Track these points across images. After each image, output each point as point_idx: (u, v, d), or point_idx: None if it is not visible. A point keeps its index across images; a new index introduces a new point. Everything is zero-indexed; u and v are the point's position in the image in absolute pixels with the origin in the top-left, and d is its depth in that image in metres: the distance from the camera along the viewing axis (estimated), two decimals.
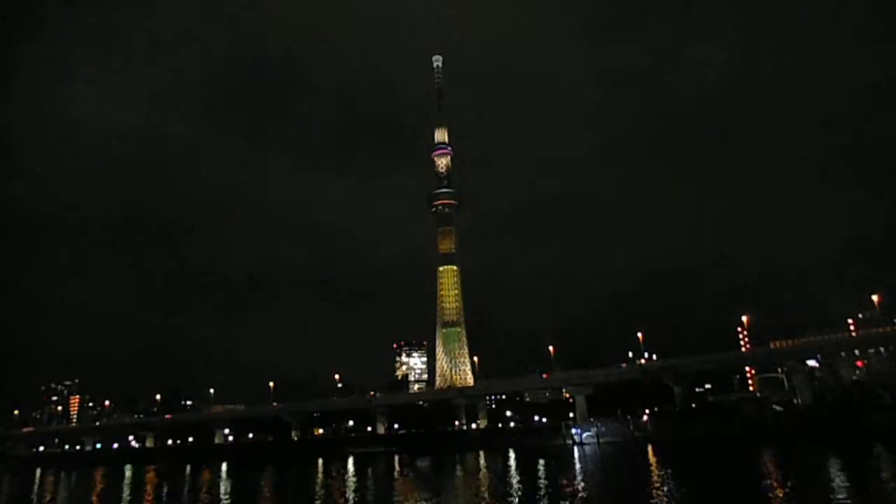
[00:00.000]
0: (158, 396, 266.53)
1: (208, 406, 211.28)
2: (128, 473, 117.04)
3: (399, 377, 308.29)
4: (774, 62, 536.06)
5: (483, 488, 60.40)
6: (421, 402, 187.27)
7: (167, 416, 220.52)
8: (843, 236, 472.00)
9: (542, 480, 63.09)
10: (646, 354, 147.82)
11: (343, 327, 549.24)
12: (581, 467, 76.47)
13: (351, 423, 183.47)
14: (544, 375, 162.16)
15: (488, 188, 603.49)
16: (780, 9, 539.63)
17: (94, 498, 78.19)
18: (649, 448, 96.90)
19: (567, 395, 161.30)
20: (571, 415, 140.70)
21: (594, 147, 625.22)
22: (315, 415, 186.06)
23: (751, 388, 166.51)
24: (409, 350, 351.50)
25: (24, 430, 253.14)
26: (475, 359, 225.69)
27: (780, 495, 44.77)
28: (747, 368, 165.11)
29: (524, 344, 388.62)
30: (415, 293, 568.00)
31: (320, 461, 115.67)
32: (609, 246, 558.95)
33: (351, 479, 78.10)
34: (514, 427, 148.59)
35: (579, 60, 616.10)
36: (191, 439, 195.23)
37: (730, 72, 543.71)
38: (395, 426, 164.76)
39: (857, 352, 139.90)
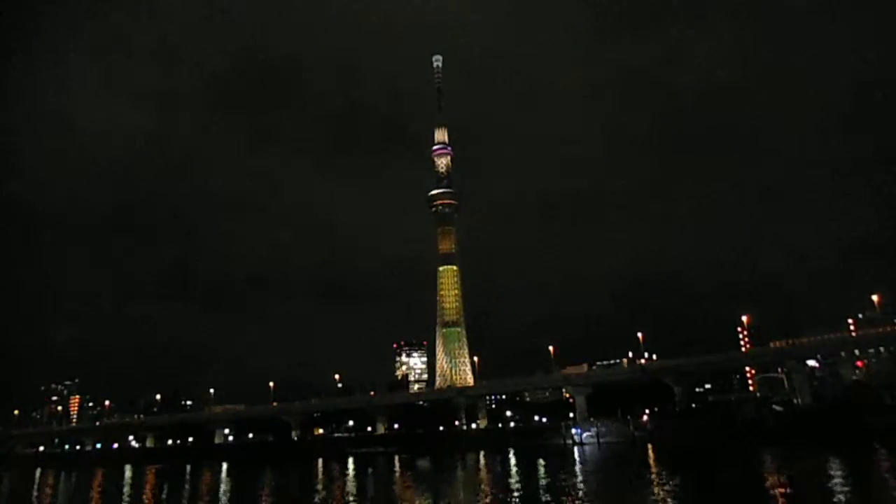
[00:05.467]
0: (158, 396, 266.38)
1: (208, 406, 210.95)
2: (128, 473, 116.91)
3: (399, 377, 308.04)
4: (778, 63, 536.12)
5: (483, 488, 60.34)
6: (421, 402, 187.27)
7: (167, 415, 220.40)
8: (844, 236, 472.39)
9: (542, 480, 63.06)
10: (646, 354, 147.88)
11: (343, 327, 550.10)
12: (581, 467, 76.40)
13: (351, 423, 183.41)
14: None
15: (488, 188, 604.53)
16: (783, 10, 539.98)
17: (94, 498, 78.13)
18: (649, 448, 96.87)
19: (567, 395, 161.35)
20: (571, 415, 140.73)
21: (596, 146, 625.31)
22: (315, 415, 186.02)
23: (751, 388, 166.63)
24: (409, 350, 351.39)
25: (24, 429, 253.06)
26: (475, 359, 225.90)
27: (780, 495, 44.74)
28: (747, 368, 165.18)
29: (524, 344, 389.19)
30: (415, 293, 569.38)
31: (320, 461, 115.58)
32: (610, 246, 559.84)
33: (351, 479, 78.07)
34: (514, 427, 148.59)
35: (581, 61, 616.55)
36: (191, 439, 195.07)
37: (734, 72, 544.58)
38: (395, 426, 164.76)
39: (857, 352, 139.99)
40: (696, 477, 61.76)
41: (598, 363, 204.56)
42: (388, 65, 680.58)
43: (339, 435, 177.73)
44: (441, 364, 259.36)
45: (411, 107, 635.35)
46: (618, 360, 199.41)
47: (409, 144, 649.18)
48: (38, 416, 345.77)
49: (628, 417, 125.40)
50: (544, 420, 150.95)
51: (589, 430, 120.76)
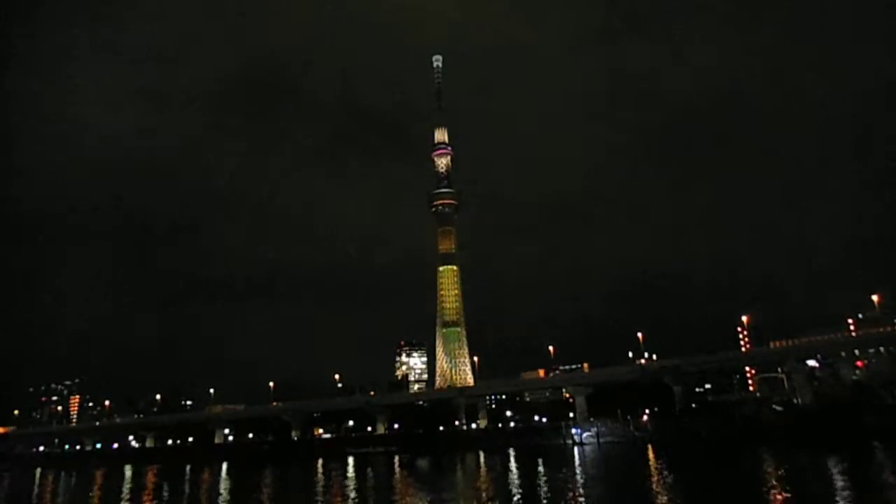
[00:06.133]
0: (158, 396, 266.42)
1: (208, 406, 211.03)
2: (128, 473, 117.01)
3: (399, 377, 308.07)
4: (777, 63, 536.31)
5: (483, 488, 60.37)
6: (421, 402, 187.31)
7: (167, 415, 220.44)
8: (844, 236, 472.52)
9: (542, 480, 63.08)
10: (646, 354, 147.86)
11: (343, 327, 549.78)
12: (581, 467, 76.43)
13: (351, 423, 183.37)
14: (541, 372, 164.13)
15: (488, 188, 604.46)
16: (782, 10, 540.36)
17: (94, 498, 78.16)
18: (649, 448, 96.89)
19: (567, 395, 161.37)
20: (571, 415, 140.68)
21: (595, 147, 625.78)
22: (315, 415, 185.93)
23: (751, 388, 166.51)
24: (409, 350, 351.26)
25: (24, 429, 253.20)
26: (475, 359, 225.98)
27: (780, 495, 44.75)
28: (747, 368, 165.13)
29: (524, 344, 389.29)
30: (415, 293, 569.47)
31: (320, 461, 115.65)
32: (610, 246, 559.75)
33: (351, 479, 78.09)
34: (514, 427, 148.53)
35: (580, 60, 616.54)
36: (191, 439, 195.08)
37: (734, 72, 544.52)
38: (395, 426, 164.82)
39: (857, 352, 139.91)
40: (697, 477, 61.79)
41: (562, 368, 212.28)
42: (388, 65, 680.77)
43: (339, 435, 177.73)
44: (441, 364, 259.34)
45: (411, 107, 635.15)
46: (579, 365, 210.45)
47: (409, 144, 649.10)
48: (38, 416, 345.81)
49: (628, 417, 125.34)
50: (544, 420, 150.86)
51: (589, 430, 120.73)
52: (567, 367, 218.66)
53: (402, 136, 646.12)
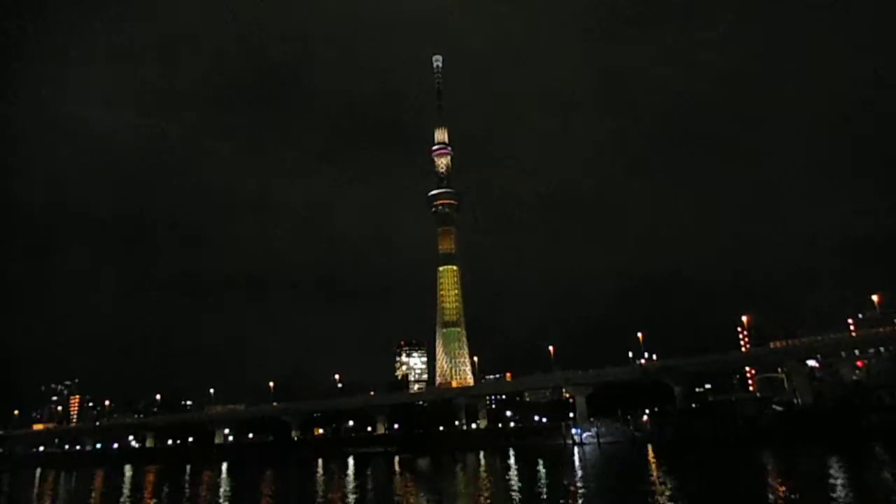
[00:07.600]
0: (158, 396, 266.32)
1: (208, 406, 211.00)
2: (128, 473, 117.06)
3: (399, 377, 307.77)
4: (776, 62, 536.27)
5: (483, 488, 60.37)
6: (421, 402, 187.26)
7: (167, 415, 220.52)
8: (844, 236, 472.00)
9: (542, 480, 63.08)
10: (646, 354, 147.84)
11: (343, 327, 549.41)
12: (581, 467, 76.44)
13: (351, 423, 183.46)
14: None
15: (489, 188, 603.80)
16: (780, 9, 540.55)
17: (94, 498, 78.17)
18: (649, 448, 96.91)
19: (567, 395, 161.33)
20: (571, 415, 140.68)
21: (595, 146, 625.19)
22: (315, 415, 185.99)
23: (751, 388, 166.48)
24: (409, 350, 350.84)
25: (25, 429, 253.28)
26: (475, 359, 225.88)
27: (780, 495, 44.75)
28: (747, 368, 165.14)
29: (524, 344, 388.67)
30: (415, 293, 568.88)
31: (320, 461, 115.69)
32: (609, 245, 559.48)
33: (351, 479, 78.10)
34: (514, 427, 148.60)
35: (580, 60, 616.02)
36: (191, 439, 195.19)
37: (731, 72, 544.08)
38: (395, 426, 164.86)
39: (857, 352, 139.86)
40: (697, 477, 61.79)
41: (487, 376, 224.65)
42: (388, 64, 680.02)
43: (339, 435, 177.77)
44: (441, 364, 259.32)
45: (411, 107, 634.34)
46: (499, 375, 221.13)
47: (409, 144, 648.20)
48: (38, 417, 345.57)
49: (628, 417, 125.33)
50: (544, 420, 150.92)
51: (589, 430, 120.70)
52: (493, 375, 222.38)
53: (402, 136, 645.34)
